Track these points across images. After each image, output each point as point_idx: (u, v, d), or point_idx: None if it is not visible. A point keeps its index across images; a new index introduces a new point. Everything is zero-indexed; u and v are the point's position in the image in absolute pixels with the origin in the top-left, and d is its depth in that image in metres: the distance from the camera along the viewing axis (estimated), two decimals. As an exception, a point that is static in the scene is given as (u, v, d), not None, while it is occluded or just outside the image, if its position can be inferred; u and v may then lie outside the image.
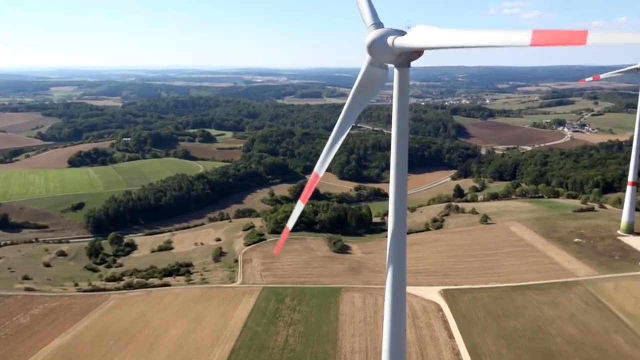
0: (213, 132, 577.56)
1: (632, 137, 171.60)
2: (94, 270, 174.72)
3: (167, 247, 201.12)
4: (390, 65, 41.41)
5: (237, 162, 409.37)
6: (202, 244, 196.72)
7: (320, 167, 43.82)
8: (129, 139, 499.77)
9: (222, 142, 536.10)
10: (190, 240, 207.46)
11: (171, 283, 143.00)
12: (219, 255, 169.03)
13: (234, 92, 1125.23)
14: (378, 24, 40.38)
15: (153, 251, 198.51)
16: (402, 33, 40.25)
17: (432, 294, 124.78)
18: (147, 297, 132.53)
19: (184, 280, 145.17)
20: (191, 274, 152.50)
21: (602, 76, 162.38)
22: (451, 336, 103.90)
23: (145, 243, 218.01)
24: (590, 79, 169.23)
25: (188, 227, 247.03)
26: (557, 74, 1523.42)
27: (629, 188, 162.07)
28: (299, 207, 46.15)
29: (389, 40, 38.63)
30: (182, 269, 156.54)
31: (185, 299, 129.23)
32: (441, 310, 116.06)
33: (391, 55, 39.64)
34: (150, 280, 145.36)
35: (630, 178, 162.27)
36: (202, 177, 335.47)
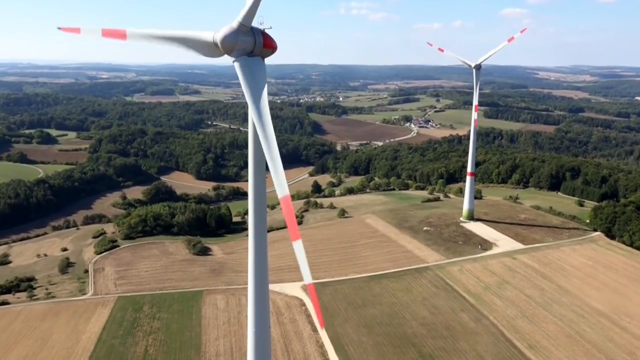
0: (54, 132, 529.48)
1: (469, 132, 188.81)
2: None
3: (3, 261, 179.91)
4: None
5: (83, 165, 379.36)
6: (45, 255, 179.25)
7: (282, 187, 35.44)
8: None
9: (65, 143, 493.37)
10: (31, 252, 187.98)
11: (10, 301, 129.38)
12: (66, 266, 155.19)
13: (77, 89, 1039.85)
14: (243, 26, 39.19)
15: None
16: (257, 32, 39.99)
17: (294, 289, 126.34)
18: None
19: (25, 297, 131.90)
20: (34, 288, 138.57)
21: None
22: (315, 329, 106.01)
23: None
24: (475, 117, 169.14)
25: (28, 238, 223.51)
26: (403, 72, 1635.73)
27: (468, 178, 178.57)
28: (299, 247, 33.90)
29: (236, 52, 39.21)
30: (22, 284, 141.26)
31: (28, 316, 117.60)
32: (304, 305, 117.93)
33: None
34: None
35: (469, 169, 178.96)
36: (42, 182, 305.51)
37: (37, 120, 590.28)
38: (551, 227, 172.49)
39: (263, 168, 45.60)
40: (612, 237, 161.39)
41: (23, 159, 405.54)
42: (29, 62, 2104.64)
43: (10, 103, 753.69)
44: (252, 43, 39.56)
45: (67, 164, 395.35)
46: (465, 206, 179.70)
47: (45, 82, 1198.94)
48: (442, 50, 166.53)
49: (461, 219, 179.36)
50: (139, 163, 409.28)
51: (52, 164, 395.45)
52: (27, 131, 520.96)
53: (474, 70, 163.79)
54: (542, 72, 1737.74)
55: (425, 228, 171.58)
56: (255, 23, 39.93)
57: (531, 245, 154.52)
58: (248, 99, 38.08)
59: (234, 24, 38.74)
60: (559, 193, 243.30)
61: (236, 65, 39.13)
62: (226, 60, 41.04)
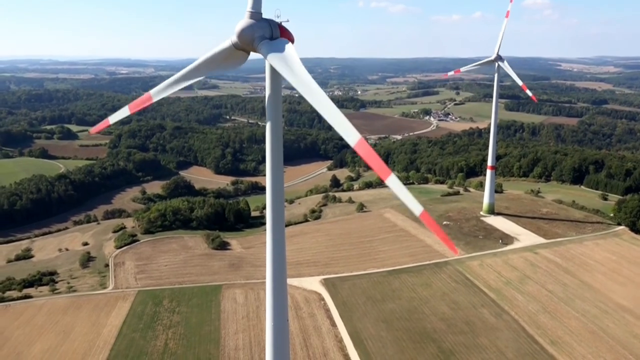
0: (74, 128, 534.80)
1: (490, 125, 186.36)
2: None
3: (26, 256, 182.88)
4: (260, 56, 40.10)
5: (103, 160, 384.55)
6: (67, 249, 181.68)
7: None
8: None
9: (85, 138, 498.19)
10: (53, 247, 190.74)
11: (33, 294, 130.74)
12: (87, 260, 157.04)
13: (96, 85, 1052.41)
14: (256, 14, 38.78)
15: (9, 261, 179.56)
16: (273, 25, 39.33)
17: (313, 284, 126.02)
18: (5, 312, 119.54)
19: (47, 291, 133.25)
20: (56, 282, 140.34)
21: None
22: (333, 324, 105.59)
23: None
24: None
25: (50, 233, 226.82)
26: (422, 65, 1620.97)
27: (488, 172, 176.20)
28: (394, 181, 35.14)
29: (257, 39, 37.97)
30: (45, 278, 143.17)
31: (51, 310, 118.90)
32: (323, 299, 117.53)
33: (254, 49, 38.98)
34: (8, 294, 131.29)
35: (489, 162, 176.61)
36: (63, 177, 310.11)
37: (58, 116, 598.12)
38: (574, 222, 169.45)
39: (281, 162, 45.21)
40: (637, 232, 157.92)
41: (44, 154, 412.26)
42: (49, 59, 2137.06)
43: (32, 99, 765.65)
44: (269, 29, 38.78)
45: (87, 159, 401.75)
46: (486, 200, 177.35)
47: (66, 78, 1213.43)
48: None
49: (481, 213, 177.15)
50: (158, 158, 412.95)
51: (72, 159, 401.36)
52: (48, 127, 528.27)
53: (496, 60, 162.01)
54: (565, 63, 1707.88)
55: (444, 222, 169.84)
56: (271, 16, 39.29)
57: (553, 239, 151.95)
58: (289, 78, 36.69)
59: (246, 15, 38.30)
60: (582, 187, 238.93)
61: (261, 51, 38.14)
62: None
